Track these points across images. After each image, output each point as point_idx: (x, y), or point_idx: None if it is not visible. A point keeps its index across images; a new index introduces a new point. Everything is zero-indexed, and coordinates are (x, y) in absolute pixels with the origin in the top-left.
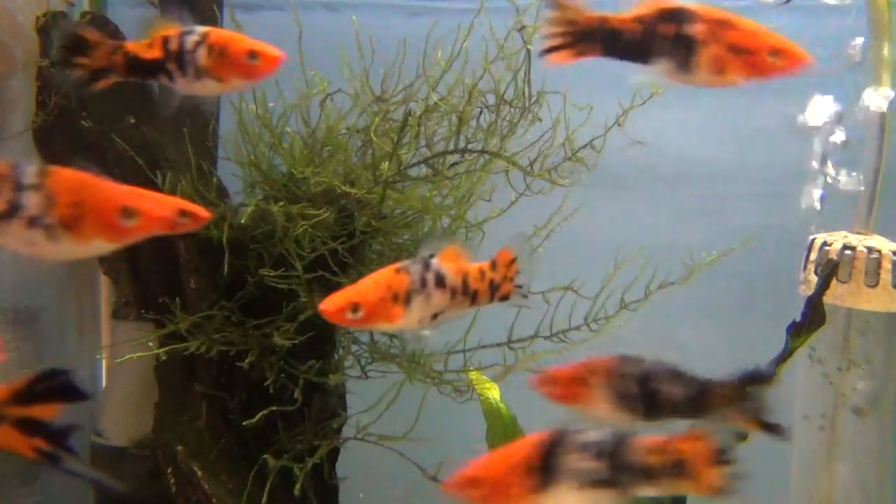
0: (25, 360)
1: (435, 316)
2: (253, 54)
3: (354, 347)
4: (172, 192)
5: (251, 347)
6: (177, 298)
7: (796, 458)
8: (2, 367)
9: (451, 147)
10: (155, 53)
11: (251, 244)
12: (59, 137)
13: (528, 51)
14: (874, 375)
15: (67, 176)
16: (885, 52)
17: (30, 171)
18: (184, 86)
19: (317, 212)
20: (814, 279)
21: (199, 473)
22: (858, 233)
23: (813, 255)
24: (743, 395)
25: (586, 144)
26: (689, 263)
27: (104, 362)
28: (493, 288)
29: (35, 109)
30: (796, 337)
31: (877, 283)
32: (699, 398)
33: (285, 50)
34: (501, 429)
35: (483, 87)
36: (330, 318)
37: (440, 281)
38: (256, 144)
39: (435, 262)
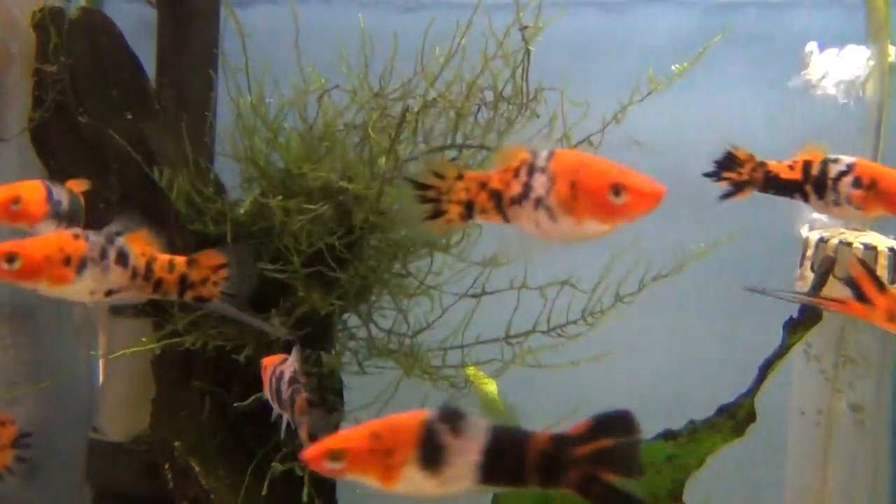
0: (22, 357)
1: (110, 293)
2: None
3: (352, 343)
4: (170, 188)
5: (248, 342)
6: None
7: (792, 453)
8: None
9: (449, 143)
10: (794, 175)
11: (249, 239)
12: (56, 133)
13: (527, 48)
14: (870, 371)
15: (568, 157)
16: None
17: (542, 154)
18: (819, 208)
19: (314, 207)
20: (810, 276)
21: (197, 469)
22: (854, 229)
23: (809, 252)
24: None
25: (583, 140)
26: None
27: (101, 359)
28: (186, 284)
29: (32, 106)
30: (793, 333)
31: None
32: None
33: (282, 46)
34: None
35: (481, 83)
36: None
37: (122, 258)
38: (253, 139)
39: (120, 240)
